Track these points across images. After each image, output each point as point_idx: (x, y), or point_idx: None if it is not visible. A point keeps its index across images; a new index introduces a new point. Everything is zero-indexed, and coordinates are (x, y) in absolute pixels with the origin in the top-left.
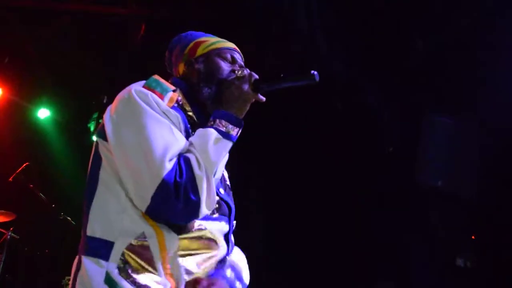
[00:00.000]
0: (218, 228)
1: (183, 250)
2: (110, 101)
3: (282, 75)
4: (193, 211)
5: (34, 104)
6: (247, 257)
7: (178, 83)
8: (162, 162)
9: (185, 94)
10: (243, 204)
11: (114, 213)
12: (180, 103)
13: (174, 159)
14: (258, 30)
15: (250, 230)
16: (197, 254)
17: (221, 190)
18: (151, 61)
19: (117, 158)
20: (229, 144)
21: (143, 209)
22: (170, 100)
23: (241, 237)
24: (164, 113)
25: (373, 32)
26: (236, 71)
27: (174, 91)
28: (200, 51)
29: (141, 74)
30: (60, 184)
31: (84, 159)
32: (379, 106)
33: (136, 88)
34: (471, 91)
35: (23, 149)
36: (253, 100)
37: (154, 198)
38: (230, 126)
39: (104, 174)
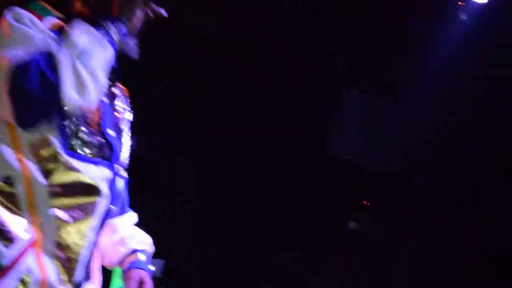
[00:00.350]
0: (97, 173)
1: (54, 197)
2: None
3: None
4: (53, 92)
5: None
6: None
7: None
8: (7, 54)
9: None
10: None
11: None
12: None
13: (37, 50)
14: None
15: None
16: (72, 203)
17: (110, 131)
18: None
19: None
20: (100, 35)
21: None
22: (51, 24)
23: None
24: (38, 29)
25: None
26: None
27: (61, 20)
28: None
29: None
30: None
31: None
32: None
33: (11, 10)
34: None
35: None
36: (145, 10)
37: (14, 83)
38: (111, 27)
39: None
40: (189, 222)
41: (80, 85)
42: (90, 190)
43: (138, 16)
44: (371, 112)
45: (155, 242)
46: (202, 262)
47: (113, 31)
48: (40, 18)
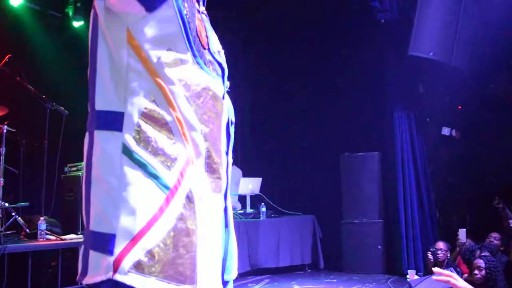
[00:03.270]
0: (217, 85)
1: (193, 109)
2: None
3: None
4: None
5: None
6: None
7: None
8: None
9: None
10: None
11: (120, 84)
12: None
13: None
14: None
15: None
16: (206, 113)
17: (215, 52)
18: None
19: None
20: None
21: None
22: None
23: None
24: None
25: None
26: None
27: None
28: None
29: None
30: (46, 73)
31: (66, 46)
32: None
33: None
34: None
35: (1, 41)
36: None
37: None
38: None
39: (102, 44)
40: None
41: None
42: (217, 102)
43: None
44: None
45: None
46: None
47: None
48: None
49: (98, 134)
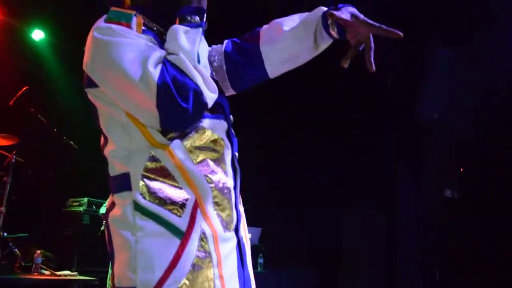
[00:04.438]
0: (219, 126)
1: (196, 158)
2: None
3: None
4: (199, 99)
5: (29, 26)
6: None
7: (134, 8)
8: (146, 70)
9: (146, 15)
10: None
11: (125, 149)
12: (148, 24)
13: (160, 65)
14: None
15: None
16: (209, 158)
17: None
18: None
19: (113, 94)
20: (199, 30)
21: (157, 125)
22: (138, 25)
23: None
24: (132, 34)
25: None
26: None
27: (136, 15)
28: None
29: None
30: (60, 107)
31: (81, 82)
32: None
33: (97, 27)
34: (474, 25)
35: (20, 72)
36: None
37: (159, 107)
38: (192, 16)
39: (104, 121)
40: None
41: (208, 83)
42: (217, 143)
43: None
44: (458, 70)
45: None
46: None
47: (198, 17)
48: (128, 25)
49: (115, 197)
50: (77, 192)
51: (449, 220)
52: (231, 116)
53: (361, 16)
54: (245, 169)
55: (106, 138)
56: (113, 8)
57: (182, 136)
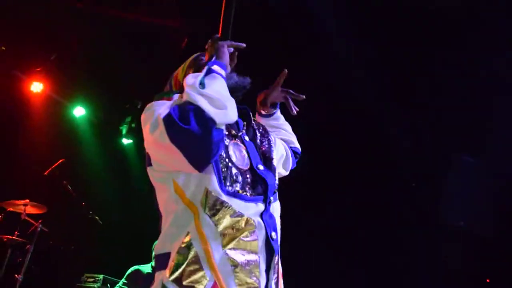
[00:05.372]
0: (254, 211)
1: (224, 241)
2: (144, 107)
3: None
4: (201, 116)
5: (71, 102)
6: None
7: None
8: (156, 115)
9: None
10: None
11: (170, 228)
12: None
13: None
14: None
15: None
16: (238, 240)
17: (260, 166)
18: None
19: (153, 155)
20: (204, 68)
21: (185, 162)
22: (179, 98)
23: None
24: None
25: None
26: None
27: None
28: (180, 75)
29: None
30: (91, 183)
31: (114, 160)
32: (405, 140)
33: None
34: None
35: (58, 145)
36: (227, 48)
37: (172, 139)
38: (214, 65)
39: (161, 200)
40: None
41: (214, 101)
42: (249, 226)
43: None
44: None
45: None
46: None
47: (213, 66)
48: (170, 99)
49: (156, 275)
50: (94, 268)
51: None
52: (271, 197)
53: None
54: None
55: (160, 216)
56: (166, 90)
57: (216, 219)
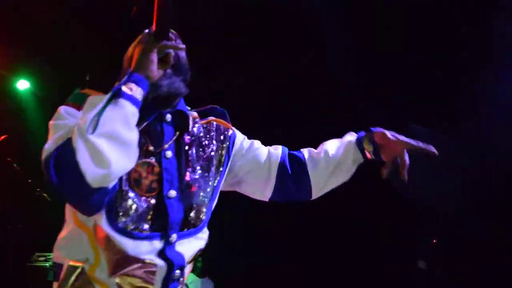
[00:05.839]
0: (147, 249)
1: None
2: (92, 79)
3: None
4: (78, 181)
5: (14, 75)
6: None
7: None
8: (46, 144)
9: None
10: None
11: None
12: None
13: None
14: None
15: None
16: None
17: (172, 193)
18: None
19: None
20: (107, 96)
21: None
22: (89, 104)
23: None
24: (70, 117)
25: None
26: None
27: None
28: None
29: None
30: (37, 159)
31: None
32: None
33: (58, 110)
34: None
35: (1, 121)
36: (166, 49)
37: (47, 176)
38: (121, 82)
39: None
40: None
41: (98, 156)
42: (146, 266)
43: (167, 60)
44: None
45: None
46: None
47: (129, 86)
48: (79, 107)
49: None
50: (45, 247)
51: None
52: (174, 234)
53: (401, 136)
54: None
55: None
56: (84, 91)
57: (105, 254)
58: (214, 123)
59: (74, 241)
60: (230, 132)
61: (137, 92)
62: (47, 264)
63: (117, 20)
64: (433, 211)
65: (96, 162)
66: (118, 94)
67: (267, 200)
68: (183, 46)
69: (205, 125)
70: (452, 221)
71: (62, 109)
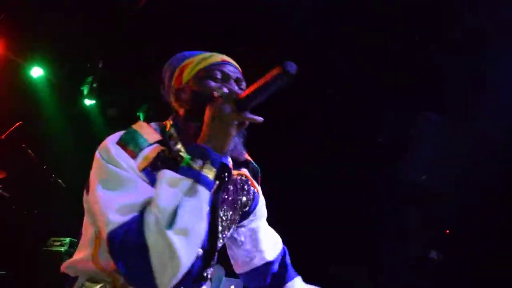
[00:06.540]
0: None
1: None
2: (105, 66)
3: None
4: (144, 277)
5: (28, 62)
6: None
7: (173, 120)
8: (106, 216)
9: (178, 133)
10: None
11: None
12: (165, 154)
13: (132, 213)
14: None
15: None
16: None
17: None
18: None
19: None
20: (188, 183)
21: None
22: (144, 159)
23: None
24: (130, 168)
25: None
26: (216, 92)
27: (156, 142)
28: (185, 77)
29: (138, 42)
30: (52, 145)
31: (76, 121)
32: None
33: (105, 144)
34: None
35: (15, 107)
36: (242, 121)
37: (110, 251)
38: (194, 159)
39: (86, 224)
40: None
41: (172, 256)
42: None
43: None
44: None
45: None
46: None
47: (206, 167)
48: (134, 154)
49: None
50: (60, 232)
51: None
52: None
53: None
54: None
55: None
56: (136, 126)
57: None
58: (244, 178)
59: (91, 275)
60: (255, 194)
61: (212, 173)
62: (62, 249)
63: (129, 7)
64: (446, 201)
65: (170, 263)
66: (197, 179)
67: (236, 272)
68: (261, 119)
69: (236, 176)
70: (462, 211)
71: (112, 148)
